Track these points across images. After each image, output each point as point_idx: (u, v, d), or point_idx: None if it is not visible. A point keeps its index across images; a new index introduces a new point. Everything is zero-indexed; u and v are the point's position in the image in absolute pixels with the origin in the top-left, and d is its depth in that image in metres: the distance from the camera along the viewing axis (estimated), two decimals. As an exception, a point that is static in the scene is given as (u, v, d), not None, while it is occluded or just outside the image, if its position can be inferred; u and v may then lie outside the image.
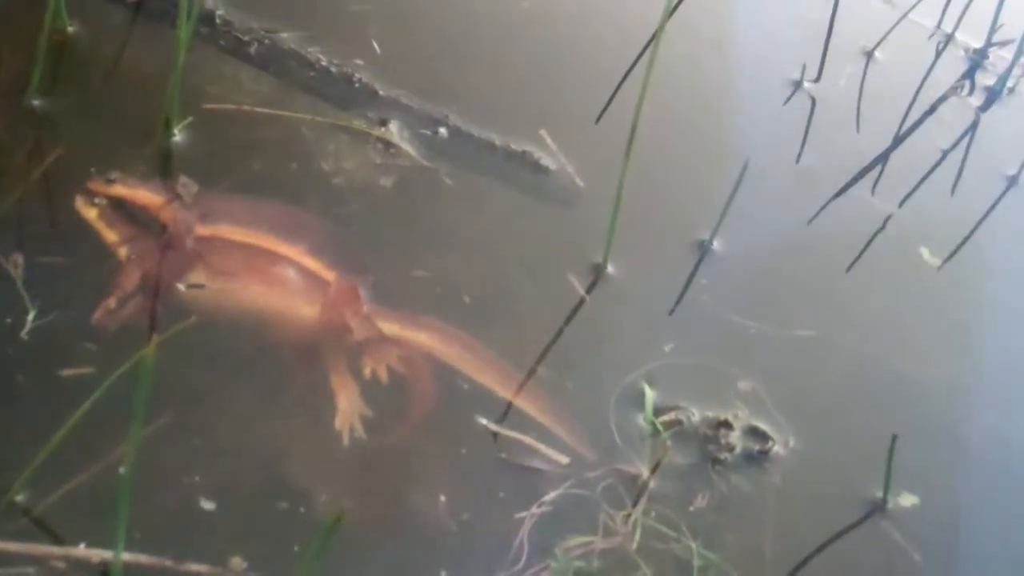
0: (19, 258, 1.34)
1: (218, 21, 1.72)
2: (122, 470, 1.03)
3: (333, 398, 1.34)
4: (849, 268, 1.67)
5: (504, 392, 1.39)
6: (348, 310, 1.41)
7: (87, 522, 1.16)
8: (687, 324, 1.51)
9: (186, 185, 1.46)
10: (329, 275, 1.45)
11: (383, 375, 1.37)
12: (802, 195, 1.75)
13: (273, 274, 1.43)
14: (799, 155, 1.83)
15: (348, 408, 1.33)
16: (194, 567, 1.15)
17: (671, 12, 1.43)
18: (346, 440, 1.31)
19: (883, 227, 1.74)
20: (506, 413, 1.38)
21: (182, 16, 1.46)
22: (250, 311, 1.39)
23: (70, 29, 1.64)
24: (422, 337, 1.42)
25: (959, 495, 1.41)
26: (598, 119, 1.74)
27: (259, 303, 1.40)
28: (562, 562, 1.23)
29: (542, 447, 1.33)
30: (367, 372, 1.37)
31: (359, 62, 1.71)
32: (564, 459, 1.32)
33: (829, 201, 1.74)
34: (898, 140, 1.87)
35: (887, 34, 1.95)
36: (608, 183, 1.53)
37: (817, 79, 1.90)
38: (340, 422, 1.32)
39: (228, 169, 1.55)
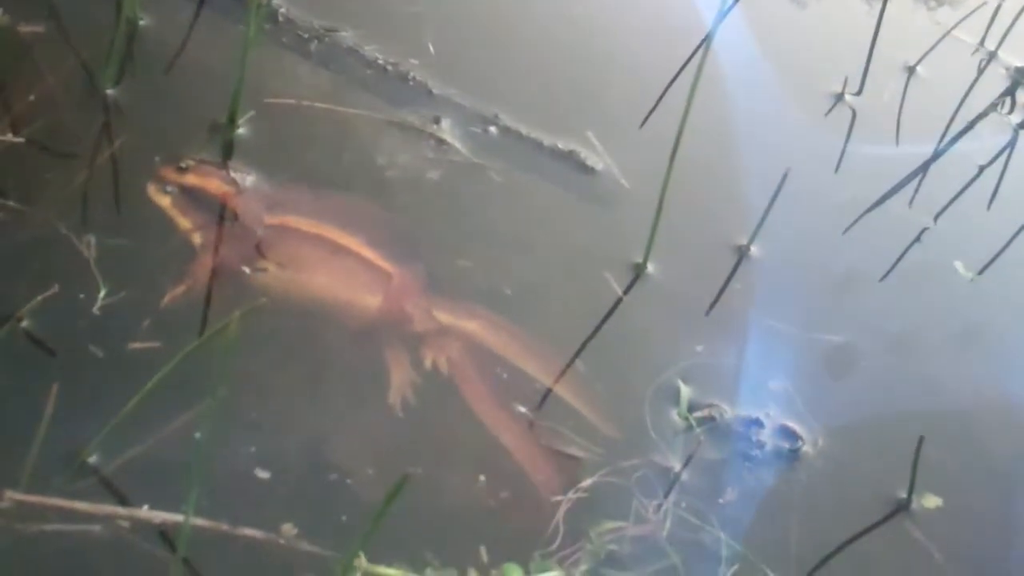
0: (91, 239, 1.41)
1: (280, 18, 1.79)
2: (197, 435, 1.09)
3: (387, 374, 1.41)
4: (883, 278, 1.71)
5: (545, 379, 1.45)
6: (409, 301, 1.48)
7: (150, 485, 1.23)
8: (721, 325, 1.56)
9: (243, 174, 1.54)
10: (387, 266, 1.52)
11: (444, 366, 1.43)
12: (840, 205, 1.80)
13: (337, 264, 1.50)
14: (838, 165, 1.88)
15: (401, 381, 1.40)
16: (248, 531, 1.22)
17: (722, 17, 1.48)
18: (399, 411, 1.37)
19: (918, 239, 1.78)
20: (545, 400, 1.43)
21: (251, 14, 1.53)
22: (316, 299, 1.46)
23: (140, 21, 1.72)
24: (473, 326, 1.49)
25: (983, 498, 1.45)
26: (642, 124, 1.80)
27: (325, 292, 1.47)
28: (596, 545, 1.28)
29: (578, 437, 1.39)
30: (428, 363, 1.43)
31: (414, 61, 1.78)
32: (599, 448, 1.38)
33: (866, 212, 1.79)
34: (937, 154, 1.91)
35: (930, 50, 1.99)
36: (652, 185, 1.58)
37: (859, 92, 1.94)
38: (393, 395, 1.39)
39: (287, 161, 1.62)
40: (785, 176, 1.56)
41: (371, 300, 1.49)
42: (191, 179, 1.53)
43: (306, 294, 1.46)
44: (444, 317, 1.48)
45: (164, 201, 1.51)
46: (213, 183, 1.54)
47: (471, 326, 1.49)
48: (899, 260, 1.75)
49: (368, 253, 1.52)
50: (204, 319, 1.41)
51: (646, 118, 1.79)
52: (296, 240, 1.51)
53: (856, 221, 1.77)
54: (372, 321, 1.47)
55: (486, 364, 1.44)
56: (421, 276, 1.51)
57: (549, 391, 1.44)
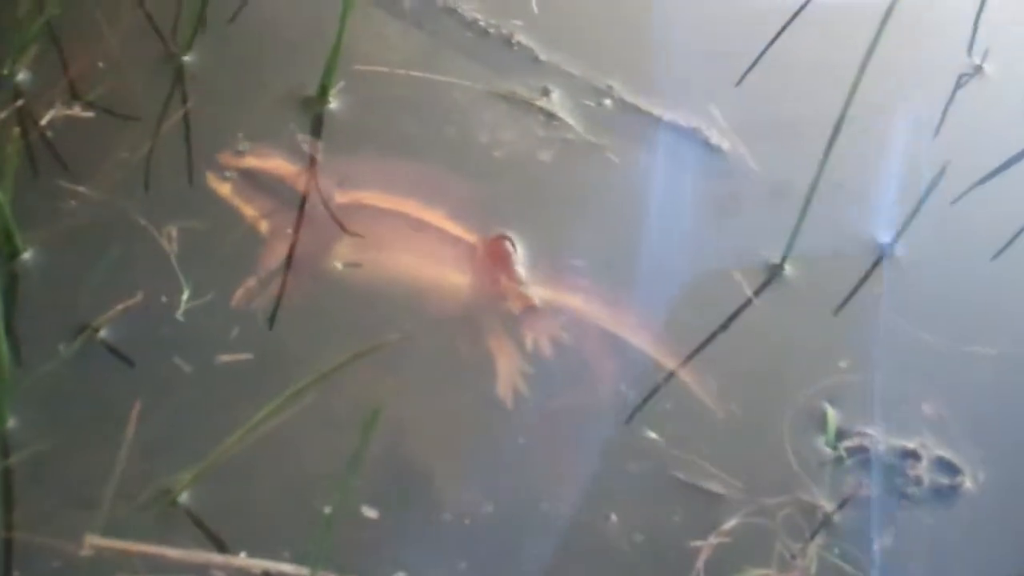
0: (173, 231, 1.26)
1: (370, -29, 1.61)
2: (327, 510, 0.95)
3: (492, 365, 1.26)
4: (995, 257, 1.53)
5: (663, 360, 1.31)
6: (500, 268, 1.32)
7: (247, 528, 1.09)
8: (864, 336, 1.40)
9: (310, 144, 1.38)
10: (472, 237, 1.36)
11: (545, 348, 1.29)
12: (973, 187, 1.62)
13: (420, 241, 1.35)
14: (936, 130, 1.69)
15: (509, 370, 1.26)
16: (358, 584, 1.09)
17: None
18: (510, 404, 1.23)
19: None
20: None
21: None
22: (402, 282, 1.31)
23: (217, -22, 1.54)
24: (576, 301, 1.34)
25: None
26: (738, 83, 1.62)
27: (410, 273, 1.32)
28: (742, 599, 1.15)
29: (715, 468, 1.24)
30: (528, 343, 1.29)
31: (517, 23, 1.60)
32: (739, 483, 1.23)
33: (974, 185, 1.59)
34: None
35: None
36: (785, 169, 1.42)
37: (981, 62, 1.75)
38: (502, 388, 1.24)
39: (380, 135, 1.45)
40: (942, 171, 1.38)
41: (460, 277, 1.34)
42: (251, 162, 1.37)
43: (391, 278, 1.31)
44: (542, 292, 1.33)
45: (225, 190, 1.34)
46: (275, 163, 1.38)
47: (574, 301, 1.34)
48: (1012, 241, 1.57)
49: (449, 226, 1.36)
50: (289, 324, 1.26)
51: (742, 77, 1.61)
52: (372, 219, 1.35)
53: (962, 195, 1.58)
54: (465, 302, 1.31)
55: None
56: (509, 245, 1.35)
57: (671, 374, 1.29)
